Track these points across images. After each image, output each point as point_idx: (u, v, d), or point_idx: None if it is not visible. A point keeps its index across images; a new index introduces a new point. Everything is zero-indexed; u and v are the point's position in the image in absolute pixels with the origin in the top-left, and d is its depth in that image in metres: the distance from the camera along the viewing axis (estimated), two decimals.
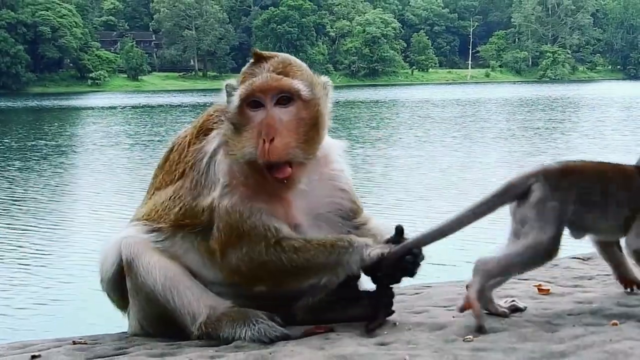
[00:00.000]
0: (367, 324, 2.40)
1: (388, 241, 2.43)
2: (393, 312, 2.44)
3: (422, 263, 2.41)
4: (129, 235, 2.60)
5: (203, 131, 2.62)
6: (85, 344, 2.58)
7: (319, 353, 2.17)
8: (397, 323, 2.49)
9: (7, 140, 25.98)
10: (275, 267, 2.39)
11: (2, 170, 18.44)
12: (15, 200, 14.76)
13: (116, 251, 2.60)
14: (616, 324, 2.33)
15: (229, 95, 2.48)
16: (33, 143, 25.14)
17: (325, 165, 2.54)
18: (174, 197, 2.54)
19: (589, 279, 3.20)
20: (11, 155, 21.73)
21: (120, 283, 2.60)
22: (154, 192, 2.66)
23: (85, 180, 17.63)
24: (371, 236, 2.57)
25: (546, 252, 2.33)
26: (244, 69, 2.47)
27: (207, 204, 2.46)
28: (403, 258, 2.36)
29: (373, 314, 2.40)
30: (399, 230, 2.43)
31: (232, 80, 2.52)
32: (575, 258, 3.72)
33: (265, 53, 2.48)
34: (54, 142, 26.00)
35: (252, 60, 2.47)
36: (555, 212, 2.30)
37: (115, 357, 2.33)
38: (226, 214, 2.43)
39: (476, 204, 2.39)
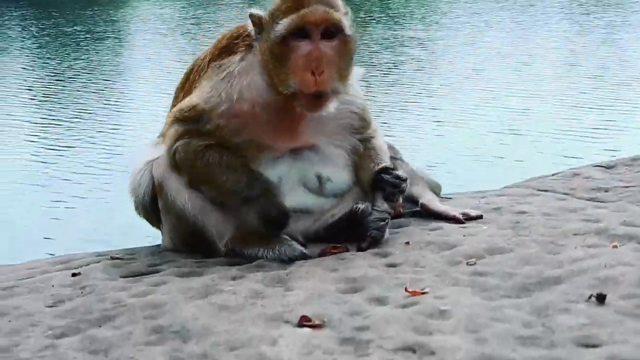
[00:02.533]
0: (359, 243, 2.61)
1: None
2: (381, 232, 2.63)
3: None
4: (159, 157, 2.79)
5: (225, 51, 2.74)
6: (122, 259, 2.81)
7: (331, 275, 2.35)
8: (410, 242, 2.67)
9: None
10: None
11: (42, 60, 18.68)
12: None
13: (147, 174, 2.79)
14: (616, 247, 2.46)
15: (260, 24, 2.60)
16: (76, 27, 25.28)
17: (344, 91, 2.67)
18: None
19: (606, 191, 3.30)
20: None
21: (154, 204, 2.82)
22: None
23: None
24: (371, 153, 2.80)
25: None
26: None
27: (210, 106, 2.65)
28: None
29: (363, 234, 2.62)
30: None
31: (255, 10, 2.63)
32: (598, 166, 3.82)
33: None
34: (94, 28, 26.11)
35: None
36: None
37: (147, 275, 2.55)
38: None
39: None
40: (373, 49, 20.55)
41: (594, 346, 1.76)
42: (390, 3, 30.04)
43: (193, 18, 29.26)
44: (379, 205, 2.71)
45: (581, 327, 1.85)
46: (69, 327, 2.11)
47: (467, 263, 2.39)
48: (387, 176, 2.72)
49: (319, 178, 2.72)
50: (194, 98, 2.69)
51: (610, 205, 3.01)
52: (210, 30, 25.53)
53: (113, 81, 17.38)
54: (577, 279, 2.18)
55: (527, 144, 11.14)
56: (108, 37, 24.63)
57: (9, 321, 2.18)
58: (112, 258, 2.84)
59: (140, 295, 2.30)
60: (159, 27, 26.48)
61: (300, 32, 2.52)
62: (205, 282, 2.38)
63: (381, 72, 17.38)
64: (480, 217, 2.89)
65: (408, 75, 17.31)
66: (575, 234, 2.63)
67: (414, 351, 1.78)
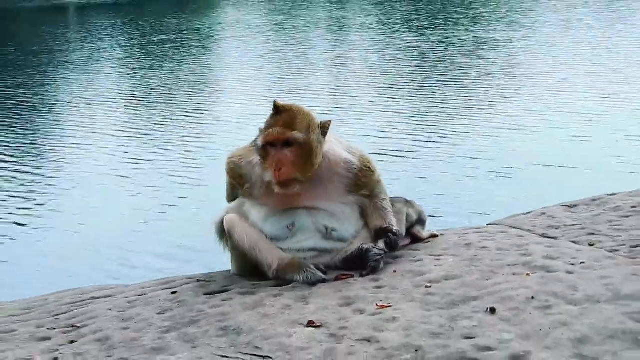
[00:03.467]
0: (362, 271, 4.05)
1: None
2: (378, 264, 4.07)
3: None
4: (226, 213, 4.32)
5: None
6: (205, 281, 4.32)
7: (336, 294, 3.78)
8: (397, 270, 4.09)
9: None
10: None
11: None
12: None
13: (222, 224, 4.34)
14: (529, 275, 3.82)
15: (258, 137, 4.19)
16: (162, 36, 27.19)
17: (331, 166, 4.18)
18: None
19: (556, 229, 4.65)
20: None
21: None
22: None
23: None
24: (375, 211, 4.26)
25: None
26: (268, 117, 4.12)
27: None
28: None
29: (366, 265, 4.06)
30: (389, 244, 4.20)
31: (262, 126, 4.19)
32: (563, 205, 5.16)
33: (281, 106, 4.10)
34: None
35: (272, 111, 4.11)
36: None
37: (220, 294, 4.04)
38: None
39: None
40: (450, 52, 21.83)
41: (471, 338, 3.15)
42: (472, 3, 31.09)
43: (275, 25, 31.08)
44: (378, 245, 4.16)
45: (471, 328, 3.25)
46: (171, 327, 3.60)
47: (425, 286, 3.80)
48: (392, 237, 4.22)
49: (326, 228, 4.18)
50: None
51: (549, 242, 4.36)
52: (292, 36, 27.21)
53: (199, 90, 19.16)
54: (488, 297, 3.56)
55: (599, 150, 12.26)
56: (193, 45, 26.61)
57: (135, 323, 3.70)
58: (198, 281, 4.35)
59: (215, 307, 3.79)
60: (243, 34, 28.35)
61: (269, 143, 4.08)
62: (256, 299, 3.85)
63: (457, 76, 18.66)
64: (436, 235, 4.60)
65: (485, 78, 18.50)
66: (508, 265, 3.99)
67: (368, 341, 3.21)
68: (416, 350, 3.07)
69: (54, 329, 3.72)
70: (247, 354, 3.21)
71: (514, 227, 4.75)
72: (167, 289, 4.22)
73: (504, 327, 3.21)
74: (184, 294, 4.08)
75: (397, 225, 4.31)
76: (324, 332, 3.34)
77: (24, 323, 3.86)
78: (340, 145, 4.32)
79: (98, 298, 4.18)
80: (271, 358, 3.15)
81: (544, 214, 4.98)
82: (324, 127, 4.18)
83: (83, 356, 3.36)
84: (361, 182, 4.29)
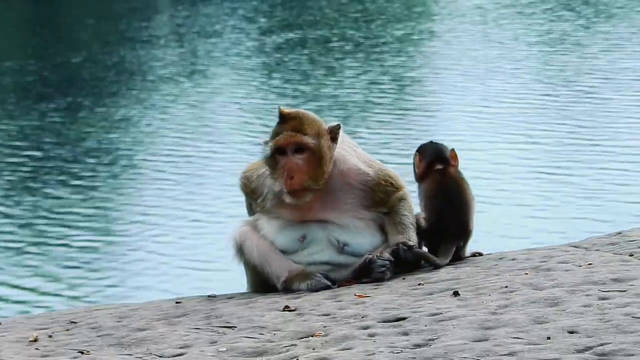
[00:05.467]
0: (363, 279, 7.48)
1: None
2: (383, 274, 7.42)
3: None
4: (240, 226, 7.99)
5: None
6: (216, 297, 7.97)
7: (328, 293, 7.25)
8: (405, 278, 7.57)
9: None
10: None
11: None
12: None
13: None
14: (526, 274, 7.13)
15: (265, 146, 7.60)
16: None
17: (342, 174, 7.63)
18: None
19: (613, 245, 7.91)
20: None
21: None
22: None
23: None
24: (394, 226, 7.76)
25: None
26: (274, 127, 7.57)
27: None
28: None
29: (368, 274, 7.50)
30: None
31: (266, 137, 7.58)
32: None
33: (287, 113, 7.47)
34: None
35: (278, 119, 7.55)
36: None
37: (224, 301, 7.67)
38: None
39: None
40: None
41: (414, 309, 6.61)
42: None
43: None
44: (383, 255, 7.66)
45: (423, 304, 6.71)
46: (161, 318, 7.10)
47: (418, 284, 7.26)
48: (401, 246, 7.63)
49: (338, 242, 7.56)
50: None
51: (585, 252, 7.70)
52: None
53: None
54: (465, 287, 6.91)
55: None
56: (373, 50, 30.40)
57: (129, 318, 7.28)
58: (209, 297, 7.99)
59: (209, 305, 7.40)
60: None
61: (280, 150, 7.42)
62: (252, 299, 7.44)
63: None
64: (480, 254, 7.89)
65: None
66: (518, 269, 7.32)
67: (327, 315, 6.73)
68: (362, 317, 6.59)
69: (54, 324, 7.47)
70: (216, 326, 6.84)
71: (574, 246, 8.14)
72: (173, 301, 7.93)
73: (451, 301, 6.60)
74: (188, 303, 7.76)
75: (415, 240, 7.78)
76: (294, 313, 6.87)
77: (27, 325, 7.63)
78: (354, 153, 7.72)
79: (101, 309, 7.94)
80: (235, 327, 6.74)
81: (619, 233, 8.32)
82: (333, 132, 7.53)
83: (75, 336, 7.03)
84: (378, 198, 7.69)
